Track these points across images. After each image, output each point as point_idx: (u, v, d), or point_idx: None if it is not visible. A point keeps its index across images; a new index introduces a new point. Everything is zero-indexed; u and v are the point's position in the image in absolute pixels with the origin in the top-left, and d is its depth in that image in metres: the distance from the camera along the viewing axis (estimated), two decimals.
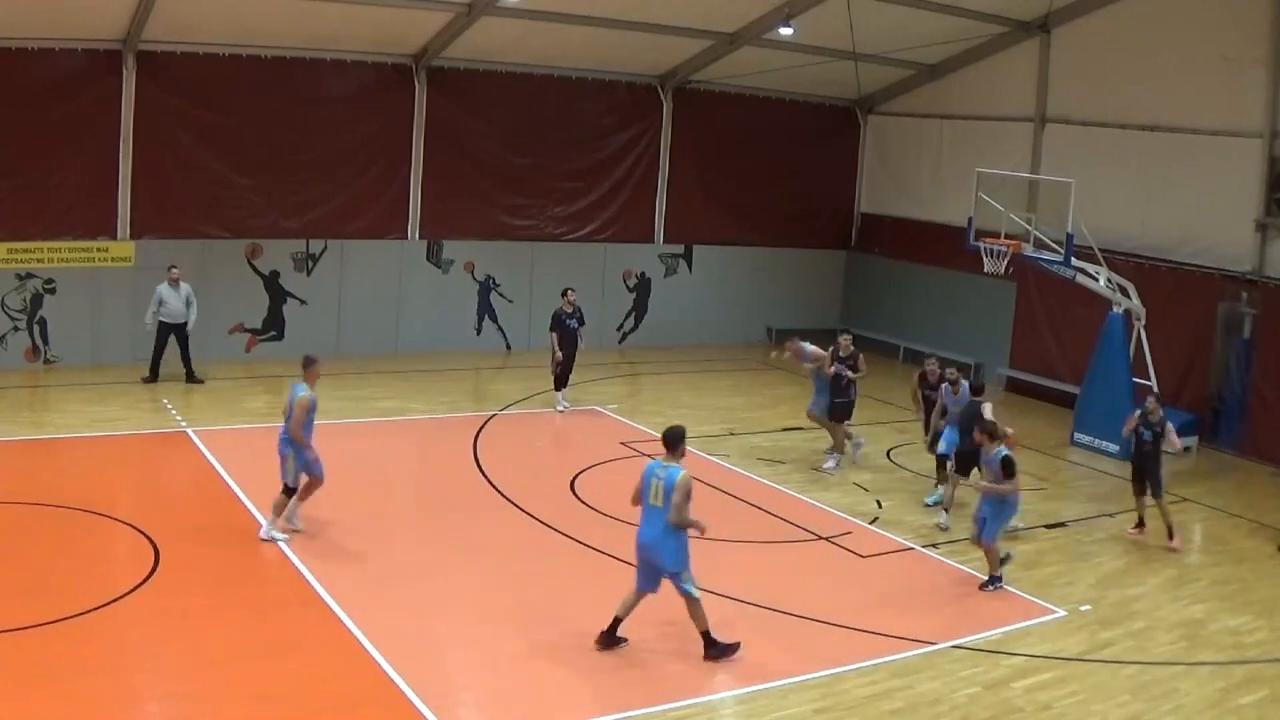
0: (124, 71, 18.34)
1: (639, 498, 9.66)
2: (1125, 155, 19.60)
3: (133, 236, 18.86)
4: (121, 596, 10.08)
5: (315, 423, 11.81)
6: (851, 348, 15.71)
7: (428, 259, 21.57)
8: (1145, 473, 13.48)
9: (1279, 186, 17.73)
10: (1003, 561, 11.76)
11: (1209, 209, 18.52)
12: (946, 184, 22.96)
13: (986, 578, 11.72)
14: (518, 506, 13.38)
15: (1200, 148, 18.53)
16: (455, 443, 15.92)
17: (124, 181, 18.69)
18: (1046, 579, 12.20)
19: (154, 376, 17.95)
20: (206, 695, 8.56)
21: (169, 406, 16.76)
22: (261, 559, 11.41)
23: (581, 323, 17.88)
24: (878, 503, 14.44)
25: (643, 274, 23.89)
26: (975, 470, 12.82)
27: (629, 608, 9.70)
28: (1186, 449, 17.43)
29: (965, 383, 14.13)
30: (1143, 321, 17.85)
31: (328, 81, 20.05)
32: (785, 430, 16.59)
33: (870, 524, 13.62)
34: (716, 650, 9.64)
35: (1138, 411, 13.77)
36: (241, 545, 11.64)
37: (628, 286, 23.77)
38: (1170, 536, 13.32)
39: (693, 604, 9.55)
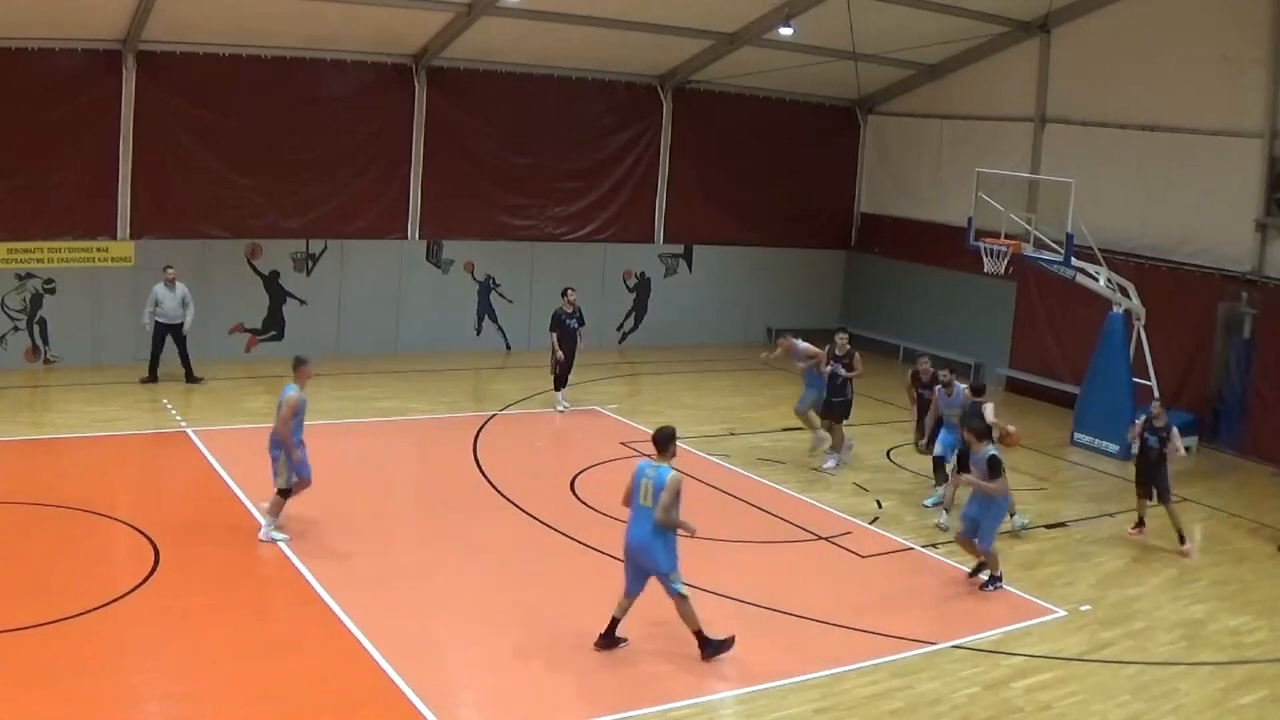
0: (124, 71, 18.34)
1: (629, 498, 9.66)
2: (1125, 155, 19.60)
3: (133, 236, 18.86)
4: (121, 596, 10.08)
5: (306, 423, 11.78)
6: (848, 346, 15.72)
7: (428, 259, 21.57)
8: (1151, 478, 13.42)
9: (1279, 186, 17.73)
10: (980, 567, 11.70)
11: (1209, 209, 18.52)
12: (946, 184, 22.96)
13: (987, 578, 11.72)
14: (518, 506, 13.38)
15: (1200, 148, 18.53)
16: (455, 443, 15.92)
17: (124, 181, 18.69)
18: (1046, 579, 12.20)
19: (153, 377, 17.95)
20: (206, 695, 8.56)
21: (169, 406, 16.76)
22: (261, 559, 11.41)
23: (581, 323, 17.89)
24: (878, 503, 14.44)
25: (643, 274, 23.89)
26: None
27: (624, 609, 9.71)
28: (1187, 449, 17.42)
29: (959, 384, 14.14)
30: (1143, 321, 17.85)
31: (328, 81, 20.05)
32: (785, 430, 16.58)
33: (870, 524, 13.62)
34: (712, 648, 9.64)
35: (1143, 417, 13.74)
36: (241, 545, 11.64)
37: (628, 286, 23.78)
38: (1181, 541, 13.24)
39: (682, 603, 9.53)
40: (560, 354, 17.66)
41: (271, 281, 20.23)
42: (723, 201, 24.10)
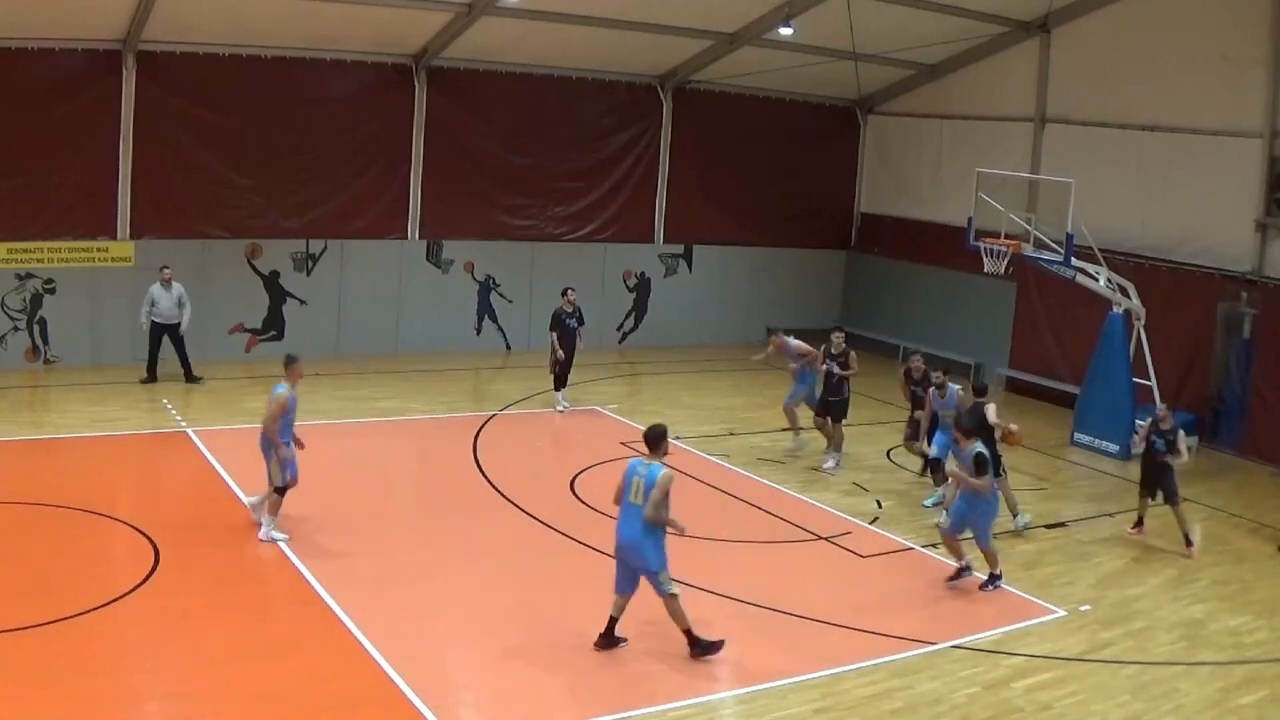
0: (124, 71, 18.34)
1: (619, 496, 9.64)
2: (1125, 155, 19.60)
3: (133, 236, 18.86)
4: (121, 596, 10.08)
5: (305, 423, 11.79)
6: (844, 345, 15.72)
7: (428, 259, 21.57)
8: (1158, 481, 13.35)
9: (1279, 186, 17.73)
10: (960, 573, 11.65)
11: (1209, 209, 18.52)
12: (946, 184, 22.96)
13: (986, 577, 11.72)
14: (518, 506, 13.38)
15: (1200, 148, 18.53)
16: (455, 443, 15.92)
17: (124, 181, 18.69)
18: (1046, 579, 12.20)
19: (152, 377, 17.95)
20: (206, 695, 8.56)
21: (169, 406, 16.76)
22: (261, 559, 11.41)
23: (581, 322, 17.89)
24: (878, 503, 14.44)
25: (643, 274, 23.90)
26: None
27: (620, 608, 9.72)
28: (1188, 448, 17.41)
29: (952, 385, 14.16)
30: (1143, 321, 17.84)
31: (328, 81, 20.05)
32: (785, 430, 16.57)
33: (870, 524, 13.62)
34: (701, 648, 9.63)
35: (1150, 420, 13.71)
36: (241, 545, 11.65)
37: (628, 286, 23.78)
38: (1188, 544, 13.19)
39: (672, 603, 9.53)
40: (560, 353, 17.67)
41: (271, 281, 20.23)
42: (723, 201, 24.10)
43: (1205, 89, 18.39)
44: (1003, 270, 17.88)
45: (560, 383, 17.97)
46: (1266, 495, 16.16)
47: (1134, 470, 15.72)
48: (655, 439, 9.69)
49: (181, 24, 17.71)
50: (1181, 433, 13.38)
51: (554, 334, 17.70)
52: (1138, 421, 17.41)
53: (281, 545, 11.54)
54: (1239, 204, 18.08)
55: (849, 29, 19.22)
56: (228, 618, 9.90)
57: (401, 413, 17.53)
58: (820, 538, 13.03)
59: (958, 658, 10.11)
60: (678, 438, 16.66)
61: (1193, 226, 18.77)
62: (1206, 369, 18.63)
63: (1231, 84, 17.98)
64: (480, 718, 8.86)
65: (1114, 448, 17.42)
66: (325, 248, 20.55)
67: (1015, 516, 13.63)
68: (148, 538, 11.44)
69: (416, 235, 21.38)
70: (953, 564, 11.92)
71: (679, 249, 24.20)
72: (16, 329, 18.31)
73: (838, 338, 15.82)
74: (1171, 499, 13.27)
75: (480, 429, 16.68)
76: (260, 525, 11.79)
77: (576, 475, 14.61)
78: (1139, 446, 13.74)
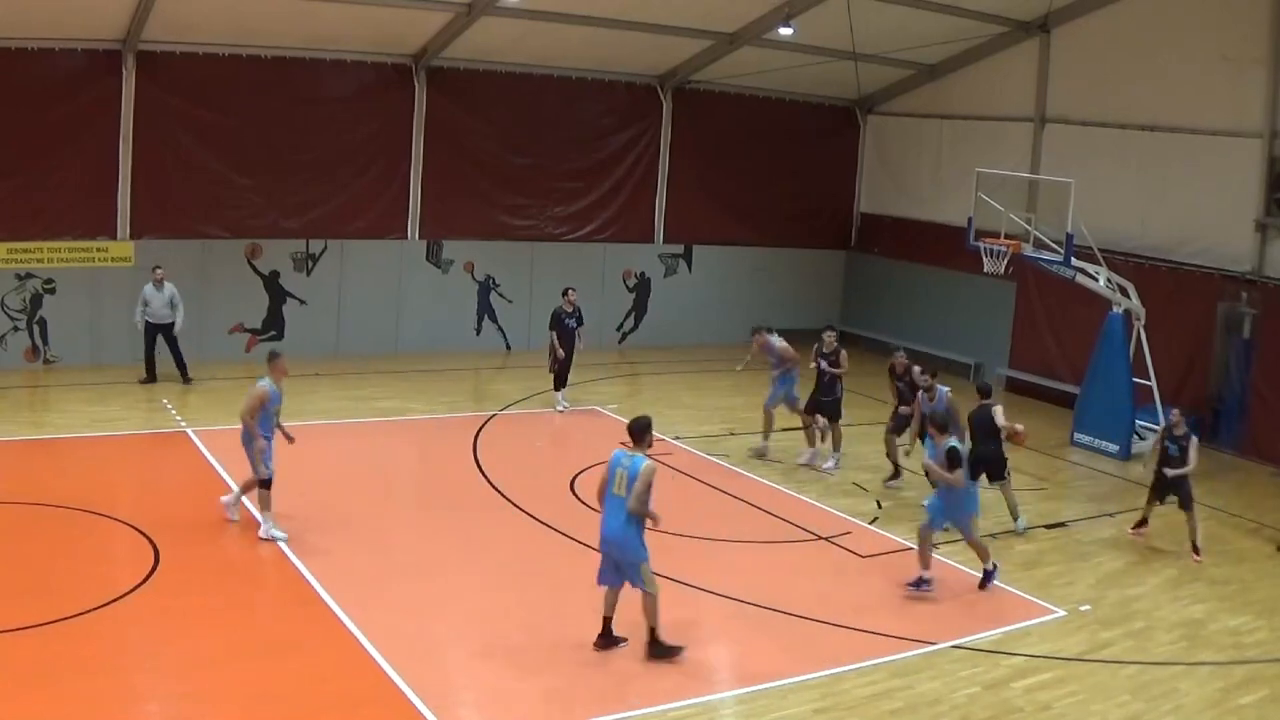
0: (124, 71, 18.34)
1: (603, 490, 9.63)
2: (1125, 155, 19.59)
3: (133, 236, 18.86)
4: (121, 596, 10.08)
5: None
6: (835, 344, 15.71)
7: (428, 259, 21.57)
8: (1172, 486, 13.24)
9: (1279, 186, 17.73)
10: (920, 583, 11.47)
11: (1209, 209, 18.52)
12: (946, 184, 22.96)
13: (981, 574, 11.71)
14: (518, 506, 13.38)
15: (1200, 148, 18.52)
16: (455, 443, 15.92)
17: (124, 181, 18.69)
18: (1046, 579, 12.20)
19: (151, 377, 17.95)
20: (206, 695, 8.56)
21: (168, 406, 16.77)
22: (261, 559, 11.42)
23: (580, 323, 17.89)
24: (878, 503, 14.45)
25: (643, 274, 23.89)
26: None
27: (612, 605, 9.72)
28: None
29: (941, 387, 14.16)
30: (1142, 321, 17.84)
31: (328, 81, 20.04)
32: (785, 430, 16.57)
33: (870, 524, 13.62)
34: (660, 651, 9.60)
35: (1163, 425, 13.68)
36: (241, 545, 11.66)
37: (627, 286, 23.78)
38: (1195, 551, 13.12)
39: (648, 600, 9.53)
40: (560, 352, 17.67)
41: (271, 281, 20.23)
42: (723, 201, 24.10)
43: (1205, 89, 18.39)
44: (1003, 270, 17.88)
45: (560, 383, 17.98)
46: (1266, 495, 16.15)
47: (1134, 470, 15.77)
48: (639, 431, 9.70)
49: (181, 24, 17.71)
50: (1194, 439, 13.21)
51: (553, 333, 17.71)
52: (1138, 422, 17.50)
53: (281, 545, 11.54)
54: (1239, 204, 18.08)
55: (849, 29, 19.22)
56: (228, 618, 9.91)
57: (401, 413, 17.53)
58: (820, 538, 13.04)
59: (958, 658, 10.11)
60: (678, 438, 16.72)
61: (1193, 226, 18.77)
62: (1206, 369, 18.63)
63: (1231, 84, 17.98)
64: (480, 718, 8.86)
65: (1114, 448, 17.42)
66: (325, 248, 20.54)
67: (1016, 519, 13.62)
68: (148, 538, 11.44)
69: (416, 235, 21.38)
70: (970, 570, 11.94)
71: (679, 249, 24.20)
72: (16, 329, 18.30)
73: (829, 336, 15.80)
74: (1186, 503, 13.17)
75: (480, 429, 16.68)
76: (230, 519, 11.97)
77: (576, 475, 14.60)
78: (1152, 459, 13.60)
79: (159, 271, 17.86)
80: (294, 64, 19.56)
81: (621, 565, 9.54)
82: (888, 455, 15.17)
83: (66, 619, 9.51)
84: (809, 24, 19.38)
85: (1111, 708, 9.34)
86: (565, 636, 9.92)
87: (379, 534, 12.24)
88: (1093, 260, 17.65)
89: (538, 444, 16.93)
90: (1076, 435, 18.11)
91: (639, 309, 23.96)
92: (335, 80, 20.11)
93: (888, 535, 13.24)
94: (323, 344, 20.33)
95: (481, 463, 15.11)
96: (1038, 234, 17.61)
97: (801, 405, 15.96)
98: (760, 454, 16.03)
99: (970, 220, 18.19)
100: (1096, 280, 17.55)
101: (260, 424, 11.67)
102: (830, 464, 15.67)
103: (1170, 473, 13.12)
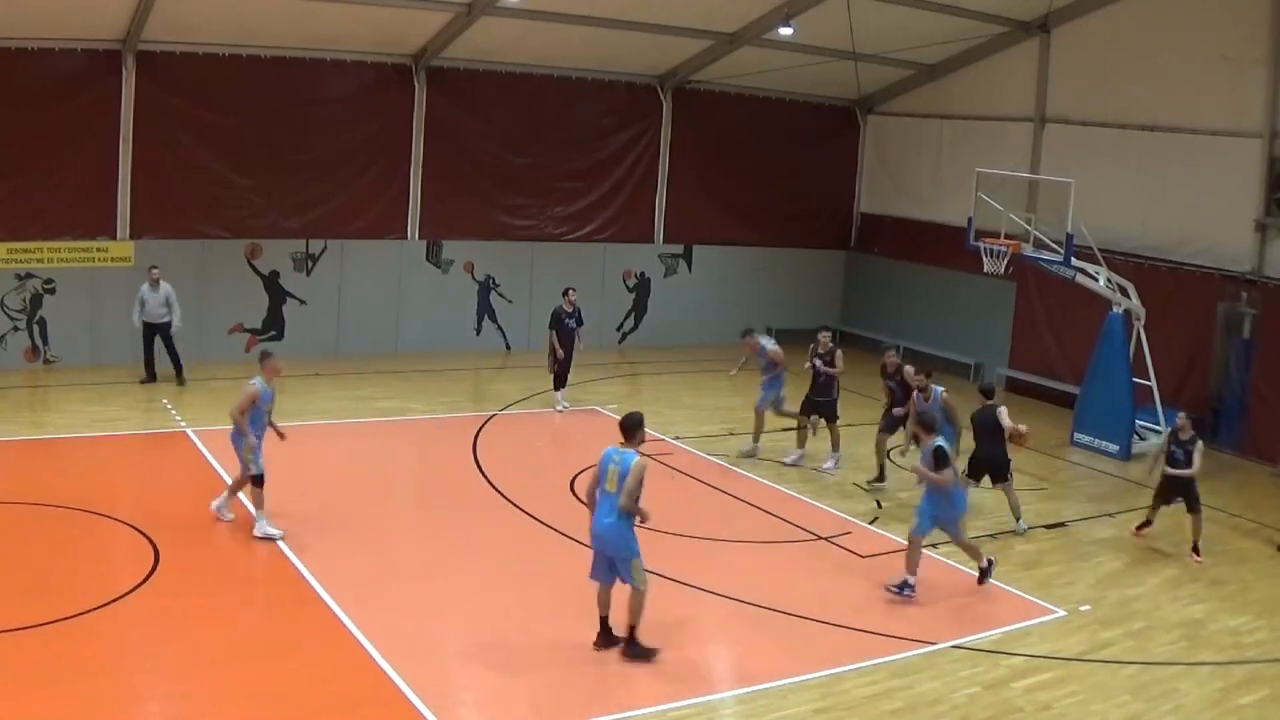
0: (124, 71, 18.34)
1: (593, 488, 9.61)
2: (1125, 155, 19.59)
3: (133, 236, 18.86)
4: (121, 596, 10.08)
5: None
6: (830, 344, 15.70)
7: (428, 259, 21.57)
8: (1180, 490, 13.20)
9: (1279, 186, 17.73)
10: (903, 586, 11.43)
11: (1209, 209, 18.52)
12: (946, 184, 22.96)
13: (978, 573, 11.70)
14: (518, 506, 13.38)
15: (1200, 148, 18.52)
16: (455, 443, 15.92)
17: (124, 181, 18.70)
18: (1046, 579, 12.20)
19: (150, 377, 17.96)
20: (206, 695, 8.56)
21: (168, 406, 16.77)
22: (261, 558, 11.42)
23: (580, 323, 17.89)
24: (878, 503, 14.45)
25: (642, 274, 23.90)
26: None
27: (607, 604, 9.72)
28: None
29: (936, 388, 14.14)
30: (1142, 321, 17.84)
31: (328, 81, 20.05)
32: (785, 430, 16.57)
33: (870, 524, 13.62)
34: (635, 651, 9.59)
35: (1169, 430, 13.65)
36: (241, 545, 11.65)
37: (627, 286, 23.78)
38: (1196, 553, 13.09)
39: (636, 596, 9.51)
40: (560, 352, 17.67)
41: (271, 281, 20.23)
42: (723, 201, 24.10)
43: (1205, 89, 18.39)
44: (1003, 270, 17.88)
45: (560, 383, 17.98)
46: (1266, 495, 16.15)
47: (1134, 470, 15.80)
48: (631, 427, 9.67)
49: (181, 24, 17.71)
50: (1200, 444, 13.12)
51: (552, 333, 17.71)
52: (1138, 422, 17.50)
53: (281, 545, 11.54)
54: (1239, 204, 18.08)
55: (849, 29, 19.22)
56: (228, 618, 9.91)
57: (401, 413, 17.53)
58: (820, 538, 13.03)
59: (957, 658, 10.11)
60: (677, 438, 16.72)
61: (1192, 226, 18.77)
62: (1206, 369, 18.63)
63: (1231, 84, 17.98)
64: (480, 717, 8.86)
65: (1114, 448, 17.42)
66: (325, 248, 20.54)
67: (1017, 520, 13.62)
68: (147, 538, 11.44)
69: (416, 235, 21.38)
70: (969, 570, 11.93)
71: (679, 249, 24.20)
72: (16, 329, 18.31)
73: (824, 337, 15.80)
74: (1193, 506, 13.12)
75: (480, 429, 16.68)
76: (224, 519, 12.01)
77: (576, 475, 14.58)
78: (1158, 465, 13.55)
79: (155, 271, 17.85)
80: (294, 64, 19.56)
81: (614, 561, 9.54)
82: (876, 456, 15.18)
83: (66, 619, 9.50)
84: (809, 24, 19.38)
85: (1111, 708, 9.34)
86: (565, 636, 9.92)
87: (379, 534, 12.24)
88: (1093, 260, 17.65)
89: (537, 444, 16.93)
90: (1076, 435, 18.11)
91: (639, 309, 23.96)
92: (335, 80, 20.12)
93: (888, 535, 13.23)
94: (323, 344, 20.34)
95: (481, 463, 15.11)
96: (1038, 234, 17.61)
97: (789, 407, 15.97)
98: (749, 455, 16.03)
99: (970, 220, 18.19)
100: (1096, 280, 17.55)
101: (251, 422, 11.71)
102: (830, 464, 15.68)
103: (1171, 472, 13.12)
